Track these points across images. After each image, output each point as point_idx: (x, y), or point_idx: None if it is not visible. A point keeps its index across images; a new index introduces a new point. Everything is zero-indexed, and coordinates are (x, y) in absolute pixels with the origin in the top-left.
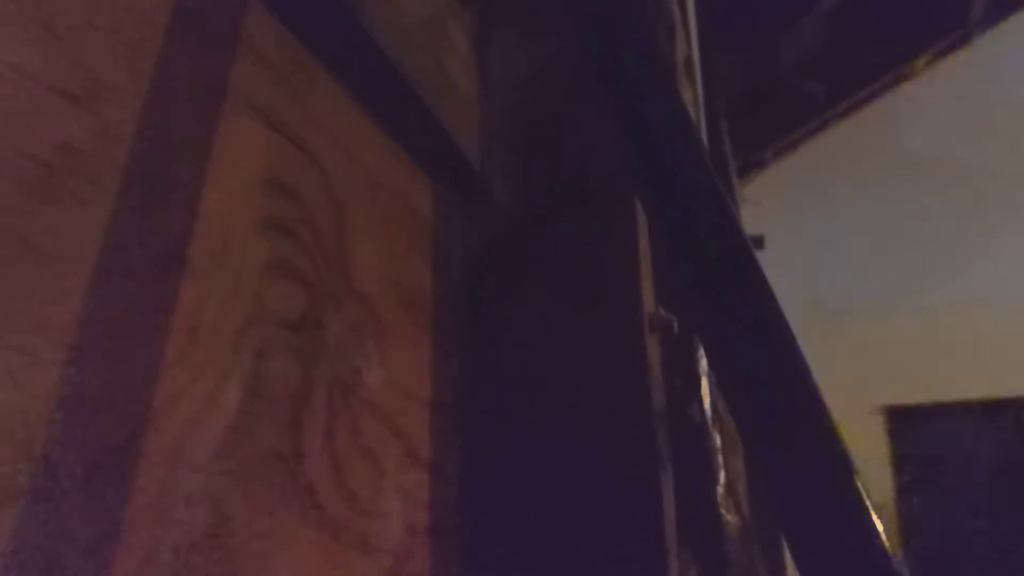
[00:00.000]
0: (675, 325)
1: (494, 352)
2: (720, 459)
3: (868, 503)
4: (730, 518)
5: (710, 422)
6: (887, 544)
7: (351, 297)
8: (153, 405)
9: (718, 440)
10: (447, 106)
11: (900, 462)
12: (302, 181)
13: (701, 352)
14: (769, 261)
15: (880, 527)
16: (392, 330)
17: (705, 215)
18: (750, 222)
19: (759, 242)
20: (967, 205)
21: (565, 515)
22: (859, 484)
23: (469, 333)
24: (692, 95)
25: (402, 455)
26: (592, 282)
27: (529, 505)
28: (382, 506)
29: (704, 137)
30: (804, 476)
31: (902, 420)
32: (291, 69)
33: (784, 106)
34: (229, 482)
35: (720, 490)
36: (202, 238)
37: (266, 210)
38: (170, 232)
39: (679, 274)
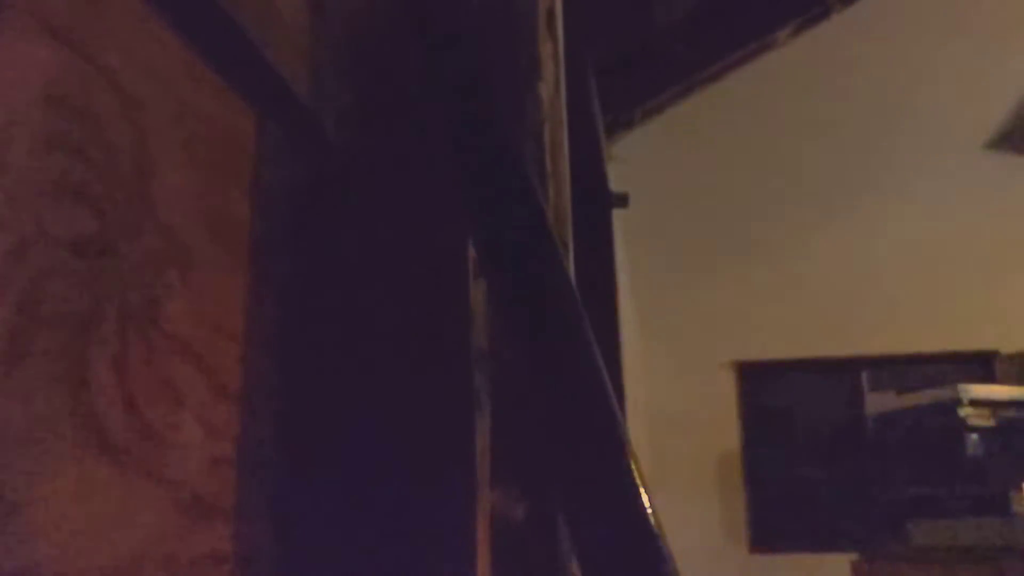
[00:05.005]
0: None
1: (318, 289)
2: None
3: (640, 482)
4: None
5: None
6: (656, 524)
7: (152, 225)
8: None
9: None
10: (271, 37)
11: (748, 414)
12: (96, 101)
13: None
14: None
15: (649, 506)
16: (201, 262)
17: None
18: (617, 180)
19: (624, 200)
20: (823, 169)
21: (383, 451)
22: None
23: (292, 269)
24: (552, 49)
25: (207, 388)
26: (420, 224)
27: (346, 441)
28: (181, 438)
29: (563, 90)
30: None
31: (751, 375)
32: None
33: (654, 67)
34: None
35: None
36: None
37: (51, 129)
38: None
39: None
